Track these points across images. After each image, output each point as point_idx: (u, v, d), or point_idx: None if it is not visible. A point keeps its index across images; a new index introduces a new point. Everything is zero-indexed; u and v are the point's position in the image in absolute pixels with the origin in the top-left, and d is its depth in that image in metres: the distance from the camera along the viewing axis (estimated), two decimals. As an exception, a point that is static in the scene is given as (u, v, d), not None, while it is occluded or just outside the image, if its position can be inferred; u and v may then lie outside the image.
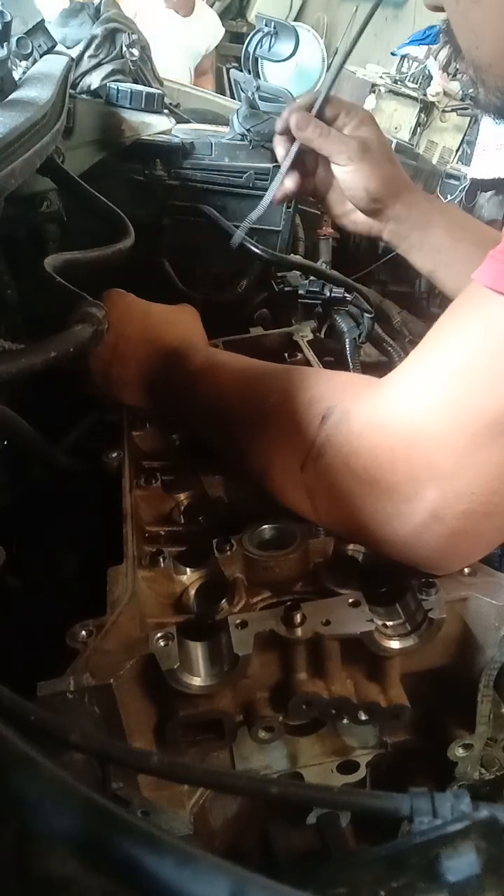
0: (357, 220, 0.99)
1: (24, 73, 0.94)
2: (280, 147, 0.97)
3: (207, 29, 3.68)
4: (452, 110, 4.83)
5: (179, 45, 3.33)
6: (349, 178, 0.91)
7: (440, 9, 0.56)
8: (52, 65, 0.98)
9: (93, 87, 1.24)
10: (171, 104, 1.46)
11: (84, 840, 0.23)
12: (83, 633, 0.51)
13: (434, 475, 0.49)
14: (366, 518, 0.54)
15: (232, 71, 1.43)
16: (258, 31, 1.13)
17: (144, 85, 1.31)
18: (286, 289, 1.15)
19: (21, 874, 0.22)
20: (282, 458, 0.62)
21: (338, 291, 1.11)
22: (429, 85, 4.80)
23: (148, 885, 0.22)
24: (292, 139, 0.94)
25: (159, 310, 0.86)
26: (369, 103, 4.86)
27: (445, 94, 4.77)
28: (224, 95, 2.49)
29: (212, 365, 0.75)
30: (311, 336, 0.96)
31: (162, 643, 0.49)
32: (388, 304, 1.29)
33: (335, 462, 0.55)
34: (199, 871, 0.22)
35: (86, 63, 1.26)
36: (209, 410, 0.72)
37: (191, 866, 0.22)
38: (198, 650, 0.52)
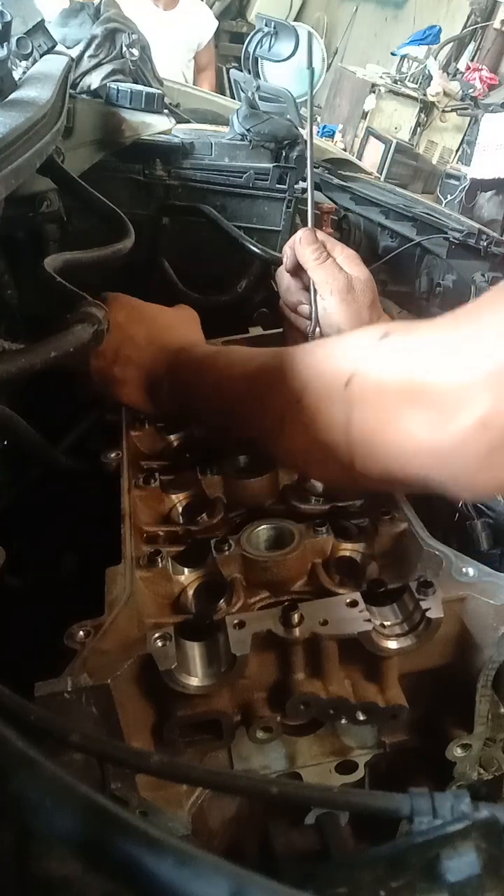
0: None
1: (24, 73, 0.94)
2: (284, 279, 0.96)
3: (195, 21, 3.54)
4: (452, 110, 4.84)
5: (165, 39, 3.20)
6: (326, 313, 0.90)
7: None
8: (52, 65, 0.98)
9: (93, 87, 1.24)
10: (171, 104, 1.46)
11: (84, 840, 0.23)
12: (81, 633, 0.51)
13: (491, 384, 0.48)
14: (411, 427, 0.53)
15: (232, 71, 1.43)
16: (258, 31, 1.14)
17: (144, 85, 1.31)
18: (286, 289, 1.15)
19: (21, 874, 0.23)
20: (317, 383, 0.61)
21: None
22: (429, 85, 4.80)
23: (148, 885, 0.22)
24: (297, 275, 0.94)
25: (164, 314, 0.88)
26: (369, 103, 4.87)
27: (445, 94, 4.77)
28: (224, 95, 2.49)
29: (216, 351, 0.78)
30: None
31: (160, 643, 0.49)
32: (388, 303, 1.29)
33: (384, 371, 0.55)
34: (198, 871, 0.22)
35: (86, 63, 1.26)
36: (218, 388, 0.73)
37: (191, 866, 0.22)
38: (195, 650, 0.52)
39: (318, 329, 0.91)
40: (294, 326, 0.97)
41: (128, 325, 0.81)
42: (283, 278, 0.96)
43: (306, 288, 0.92)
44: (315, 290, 0.90)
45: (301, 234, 0.90)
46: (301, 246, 0.89)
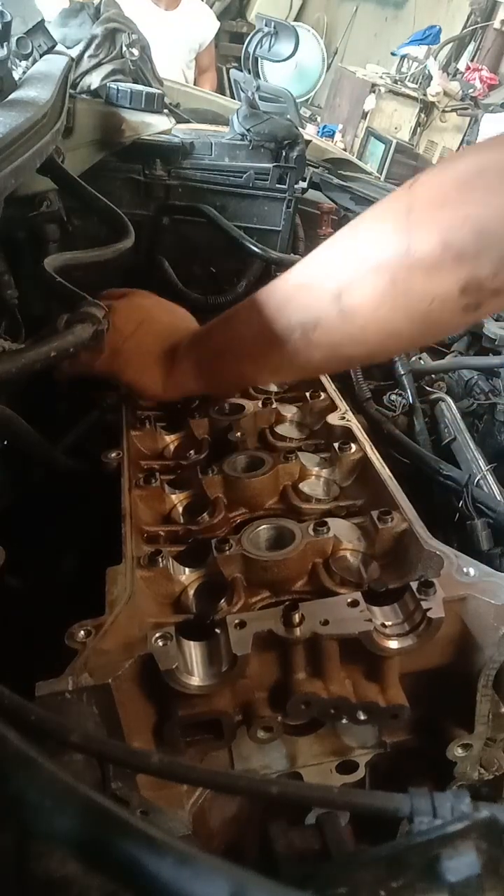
0: None
1: (24, 73, 0.94)
2: None
3: (197, 22, 3.53)
4: (452, 110, 4.84)
5: (166, 39, 3.20)
6: None
7: None
8: (52, 65, 0.98)
9: (93, 87, 1.24)
10: (171, 104, 1.46)
11: (84, 840, 0.23)
12: (81, 633, 0.51)
13: None
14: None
15: (232, 71, 1.43)
16: (258, 31, 1.13)
17: (144, 85, 1.31)
18: (286, 289, 1.15)
19: (21, 874, 0.22)
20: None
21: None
22: (429, 85, 4.80)
23: (148, 885, 0.22)
24: None
25: (183, 312, 0.91)
26: (369, 103, 4.86)
27: (445, 94, 4.77)
28: (224, 95, 2.49)
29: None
30: None
31: (160, 643, 0.49)
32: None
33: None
34: (198, 871, 0.22)
35: (86, 63, 1.26)
36: (241, 318, 0.78)
37: (190, 866, 0.22)
38: (196, 650, 0.52)
39: None
40: None
41: (151, 308, 0.84)
42: None
43: None
44: None
45: None
46: None
